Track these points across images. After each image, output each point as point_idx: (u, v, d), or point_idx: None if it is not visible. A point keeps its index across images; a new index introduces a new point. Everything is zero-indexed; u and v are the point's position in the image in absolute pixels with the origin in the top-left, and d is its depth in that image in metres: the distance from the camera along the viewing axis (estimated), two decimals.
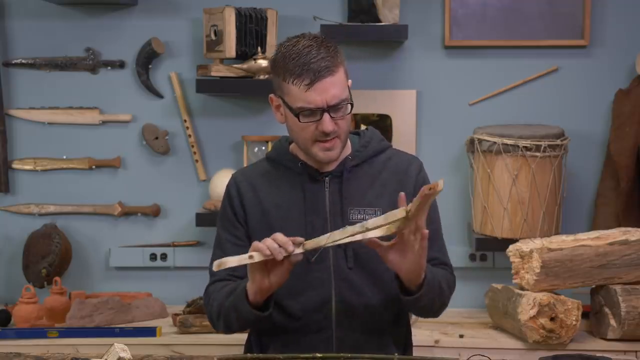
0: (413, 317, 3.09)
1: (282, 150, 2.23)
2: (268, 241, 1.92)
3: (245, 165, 3.25)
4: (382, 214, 2.09)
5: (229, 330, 2.14)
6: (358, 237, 1.92)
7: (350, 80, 2.13)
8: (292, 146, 2.22)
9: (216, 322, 2.17)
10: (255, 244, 1.93)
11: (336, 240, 1.91)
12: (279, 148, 2.24)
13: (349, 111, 2.08)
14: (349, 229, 1.91)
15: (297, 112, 2.05)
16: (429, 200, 1.86)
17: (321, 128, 2.04)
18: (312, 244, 1.93)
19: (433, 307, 2.12)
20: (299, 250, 1.93)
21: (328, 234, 1.94)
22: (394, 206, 2.13)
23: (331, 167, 2.16)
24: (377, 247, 1.95)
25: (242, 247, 2.15)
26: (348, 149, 2.19)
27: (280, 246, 1.91)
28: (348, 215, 2.12)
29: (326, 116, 2.04)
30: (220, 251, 2.19)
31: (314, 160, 2.15)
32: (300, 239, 1.93)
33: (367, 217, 2.11)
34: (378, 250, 1.96)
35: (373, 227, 1.91)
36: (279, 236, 1.93)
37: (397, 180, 2.18)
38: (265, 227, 2.14)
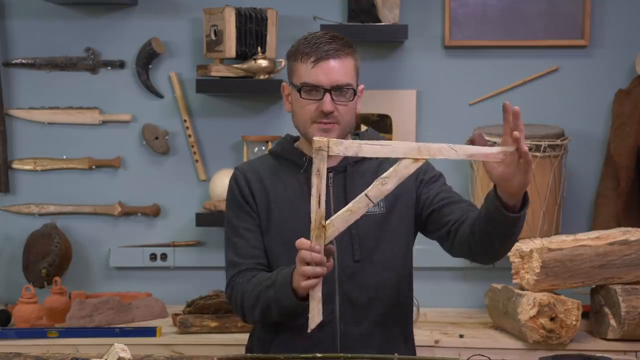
0: (414, 317, 3.09)
1: (288, 146, 2.25)
2: (312, 270, 1.90)
3: None
4: (385, 207, 2.16)
5: (264, 320, 2.13)
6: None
7: (362, 85, 2.19)
8: (298, 143, 2.25)
9: (249, 312, 2.14)
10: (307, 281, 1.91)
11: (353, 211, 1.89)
12: (284, 143, 2.26)
13: (351, 98, 2.12)
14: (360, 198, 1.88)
15: (300, 87, 2.10)
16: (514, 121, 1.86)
17: (321, 107, 2.09)
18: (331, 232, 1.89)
19: (518, 234, 2.07)
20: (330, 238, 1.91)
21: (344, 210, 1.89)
22: (396, 201, 2.17)
23: (334, 162, 2.18)
24: (486, 164, 1.90)
25: (260, 235, 2.18)
26: None
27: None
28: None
29: (327, 96, 2.09)
30: (241, 239, 2.18)
31: None
32: (330, 247, 1.91)
33: (368, 212, 2.12)
34: (486, 167, 1.90)
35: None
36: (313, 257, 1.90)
37: None
38: (268, 218, 2.17)
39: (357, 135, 2.29)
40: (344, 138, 2.13)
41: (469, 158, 1.91)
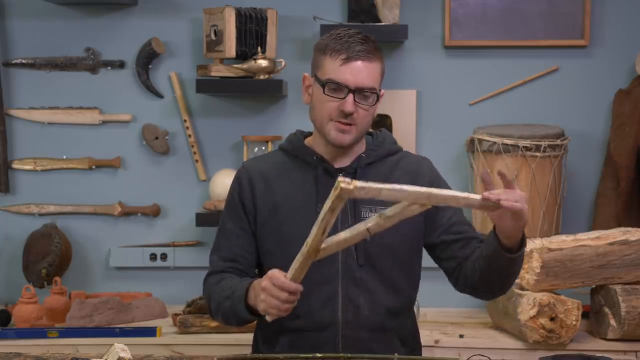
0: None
1: (298, 142, 2.23)
2: (281, 306, 1.94)
3: None
4: None
5: (227, 324, 2.21)
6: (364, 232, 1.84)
7: (383, 90, 2.16)
8: (308, 140, 2.23)
9: (215, 314, 2.22)
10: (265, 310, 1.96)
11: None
12: (294, 140, 2.24)
13: (373, 102, 2.11)
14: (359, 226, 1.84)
15: (324, 83, 2.08)
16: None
17: (342, 107, 2.07)
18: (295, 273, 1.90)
19: (518, 273, 2.14)
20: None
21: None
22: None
23: (346, 164, 2.17)
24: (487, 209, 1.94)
25: (247, 240, 2.20)
26: (362, 147, 2.21)
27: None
28: (360, 212, 2.13)
29: (350, 97, 2.07)
30: (226, 241, 2.22)
31: (329, 154, 2.16)
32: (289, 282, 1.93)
33: None
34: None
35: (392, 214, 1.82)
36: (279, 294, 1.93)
37: (410, 180, 2.18)
38: (275, 220, 2.16)
39: (370, 135, 2.27)
40: (359, 140, 2.15)
41: (467, 207, 1.90)
